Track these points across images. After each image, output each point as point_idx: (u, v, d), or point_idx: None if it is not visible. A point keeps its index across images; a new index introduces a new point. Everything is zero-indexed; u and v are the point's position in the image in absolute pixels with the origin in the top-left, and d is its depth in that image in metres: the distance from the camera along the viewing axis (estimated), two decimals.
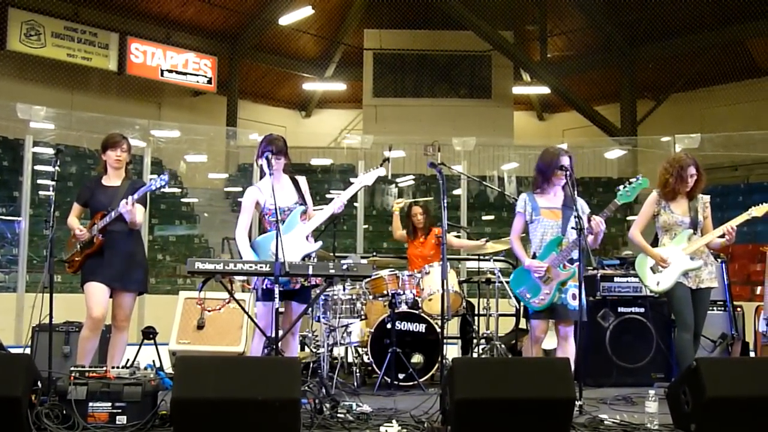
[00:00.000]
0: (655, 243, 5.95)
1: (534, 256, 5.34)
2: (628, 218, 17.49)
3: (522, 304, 7.29)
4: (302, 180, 5.47)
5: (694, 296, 5.70)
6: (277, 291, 4.62)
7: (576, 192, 5.22)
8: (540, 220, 5.35)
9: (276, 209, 4.84)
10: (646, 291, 6.92)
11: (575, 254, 5.13)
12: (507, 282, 7.37)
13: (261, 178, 5.41)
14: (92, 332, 5.27)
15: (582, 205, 5.37)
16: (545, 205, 5.38)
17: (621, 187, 5.36)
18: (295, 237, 5.14)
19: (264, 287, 5.09)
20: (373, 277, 6.71)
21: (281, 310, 4.85)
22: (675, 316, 5.91)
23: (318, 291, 5.29)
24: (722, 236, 5.65)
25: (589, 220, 5.24)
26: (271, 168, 5.08)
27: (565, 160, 5.32)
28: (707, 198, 5.85)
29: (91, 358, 5.28)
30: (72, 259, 5.41)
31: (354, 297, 6.63)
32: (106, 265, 5.28)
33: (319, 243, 5.34)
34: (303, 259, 5.11)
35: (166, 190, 18.15)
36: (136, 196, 5.19)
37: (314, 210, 5.43)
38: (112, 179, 5.50)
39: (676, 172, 5.72)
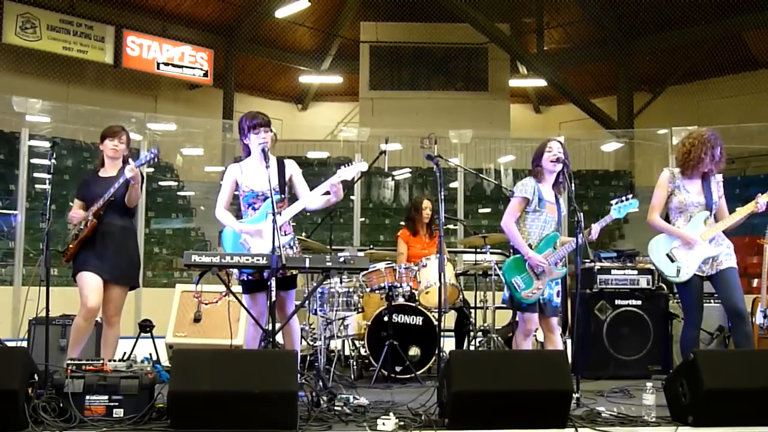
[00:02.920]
0: None
1: (530, 248, 5.28)
2: None
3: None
4: (290, 163, 5.23)
5: (716, 280, 5.22)
6: (273, 283, 4.60)
7: (572, 184, 5.21)
8: (544, 212, 5.31)
9: (272, 203, 4.78)
10: (643, 284, 6.95)
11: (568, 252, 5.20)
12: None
13: (246, 157, 5.22)
14: (87, 322, 5.21)
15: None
16: (547, 198, 5.35)
17: (614, 202, 5.34)
18: (264, 227, 4.94)
19: (244, 279, 5.03)
20: (369, 270, 6.70)
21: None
22: (685, 310, 5.44)
23: (315, 284, 5.25)
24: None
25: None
26: (268, 160, 5.00)
27: (554, 145, 5.33)
28: (720, 177, 5.43)
29: (83, 346, 5.25)
30: (67, 247, 5.38)
31: (351, 290, 6.62)
32: (97, 257, 5.24)
33: (290, 236, 5.09)
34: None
35: (163, 183, 18.26)
36: (137, 163, 5.14)
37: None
38: (109, 170, 5.46)
39: (708, 150, 5.26)
